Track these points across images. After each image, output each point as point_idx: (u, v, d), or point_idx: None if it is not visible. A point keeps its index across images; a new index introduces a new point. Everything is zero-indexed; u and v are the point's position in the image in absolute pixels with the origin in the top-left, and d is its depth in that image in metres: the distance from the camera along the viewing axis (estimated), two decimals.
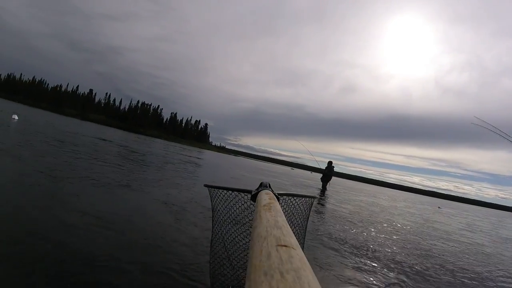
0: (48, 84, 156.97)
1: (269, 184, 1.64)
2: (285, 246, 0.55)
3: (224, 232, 2.48)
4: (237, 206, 2.23)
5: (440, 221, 14.16)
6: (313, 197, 2.66)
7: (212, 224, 2.61)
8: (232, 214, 2.32)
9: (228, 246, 2.50)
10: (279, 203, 1.30)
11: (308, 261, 0.50)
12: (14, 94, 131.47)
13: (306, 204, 2.55)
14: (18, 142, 9.34)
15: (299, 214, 2.50)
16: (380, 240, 6.19)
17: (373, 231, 7.10)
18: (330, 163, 19.60)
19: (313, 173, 65.58)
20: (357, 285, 3.39)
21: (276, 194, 1.44)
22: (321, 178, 19.84)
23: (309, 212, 2.66)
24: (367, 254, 4.90)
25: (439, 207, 31.68)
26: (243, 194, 2.17)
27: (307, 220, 2.71)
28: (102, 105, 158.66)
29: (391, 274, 4.08)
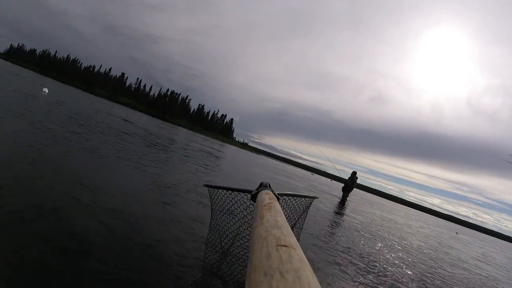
0: (81, 63, 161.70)
1: (269, 184, 1.66)
2: (285, 246, 0.55)
3: (223, 231, 2.50)
4: (237, 206, 2.25)
5: (455, 247, 13.60)
6: (313, 197, 2.68)
7: (210, 223, 2.62)
8: (232, 214, 2.35)
9: (226, 245, 2.52)
10: (279, 203, 1.31)
11: (309, 261, 0.50)
12: (48, 70, 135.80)
13: (305, 204, 2.59)
14: (43, 112, 9.77)
15: (299, 214, 2.54)
16: (388, 257, 6.00)
17: (383, 248, 6.90)
18: (354, 173, 18.74)
19: (332, 181, 64.89)
20: None
21: (276, 194, 1.44)
22: (342, 188, 18.97)
23: (307, 211, 2.71)
24: (373, 270, 4.71)
25: (456, 233, 30.73)
26: (243, 194, 2.20)
27: (304, 218, 2.76)
28: (133, 89, 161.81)
29: None
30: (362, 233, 7.84)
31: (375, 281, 4.12)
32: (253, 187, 1.75)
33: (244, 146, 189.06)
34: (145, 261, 2.66)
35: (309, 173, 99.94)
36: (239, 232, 2.39)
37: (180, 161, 9.84)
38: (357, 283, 3.74)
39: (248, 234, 2.26)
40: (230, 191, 2.29)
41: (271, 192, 1.37)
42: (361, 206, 19.62)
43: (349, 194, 18.94)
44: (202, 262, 2.76)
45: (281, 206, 1.97)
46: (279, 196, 1.58)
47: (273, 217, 0.76)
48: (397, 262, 5.80)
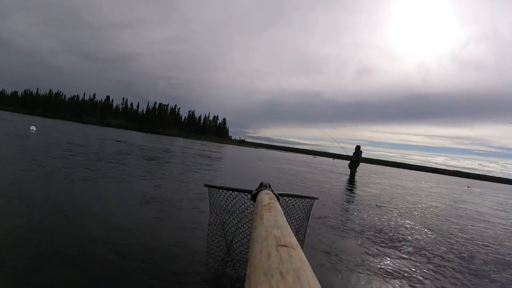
0: (65, 95, 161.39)
1: (269, 184, 1.68)
2: (285, 246, 0.55)
3: (223, 232, 2.51)
4: (237, 206, 2.27)
5: (470, 201, 13.37)
6: (314, 198, 2.66)
7: (209, 224, 2.63)
8: (232, 214, 2.36)
9: (226, 246, 2.53)
10: (279, 203, 1.32)
11: (308, 261, 0.51)
12: (33, 109, 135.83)
13: (306, 205, 2.58)
14: (35, 148, 9.85)
15: (299, 215, 2.53)
16: (407, 225, 5.82)
17: (402, 215, 6.77)
18: (358, 147, 18.64)
19: (335, 159, 65.07)
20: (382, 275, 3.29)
21: (276, 194, 1.47)
22: (349, 165, 18.94)
23: (309, 212, 2.68)
24: (397, 239, 4.63)
25: (468, 186, 30.63)
26: (243, 194, 2.21)
27: (307, 220, 2.72)
28: (120, 110, 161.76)
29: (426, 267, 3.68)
30: (376, 205, 7.69)
31: (404, 255, 4.01)
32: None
33: (241, 143, 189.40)
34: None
35: (311, 157, 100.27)
36: (239, 232, 2.41)
37: (179, 170, 9.81)
38: (386, 258, 3.71)
39: (248, 234, 2.27)
40: (230, 191, 2.29)
41: (271, 192, 1.39)
42: (369, 178, 19.56)
43: (356, 170, 18.73)
44: (202, 263, 2.77)
45: (281, 206, 1.98)
46: (279, 196, 1.59)
47: (273, 217, 0.77)
48: (419, 227, 5.69)
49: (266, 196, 1.14)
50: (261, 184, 1.67)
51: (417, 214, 7.19)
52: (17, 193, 4.60)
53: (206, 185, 2.53)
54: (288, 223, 0.81)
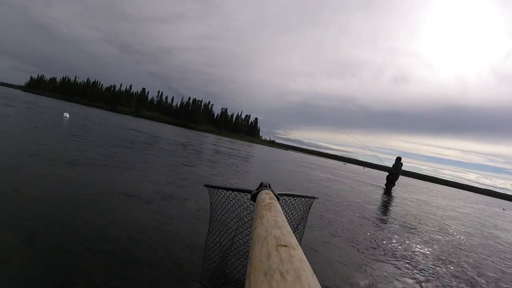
0: (102, 84, 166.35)
1: (269, 184, 1.67)
2: (285, 246, 0.55)
3: (222, 232, 2.52)
4: (237, 206, 2.27)
5: (502, 227, 11.68)
6: (313, 198, 2.66)
7: (209, 224, 2.65)
8: (232, 214, 2.36)
9: (226, 246, 2.54)
10: (279, 203, 1.31)
11: (308, 261, 0.50)
12: (70, 95, 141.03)
13: (306, 204, 2.59)
14: (66, 133, 10.35)
15: (299, 214, 2.54)
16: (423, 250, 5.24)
17: (420, 236, 6.30)
18: (398, 159, 17.15)
19: (365, 168, 64.01)
20: None
21: (276, 194, 1.46)
22: (387, 177, 17.41)
23: (308, 212, 2.69)
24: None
25: (503, 209, 28.81)
26: (243, 194, 2.21)
27: (306, 220, 2.74)
28: (155, 102, 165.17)
29: None
30: (411, 229, 6.94)
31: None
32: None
33: (271, 143, 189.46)
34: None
35: (341, 163, 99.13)
36: (239, 232, 2.42)
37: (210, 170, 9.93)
38: None
39: (248, 234, 2.27)
40: (230, 191, 2.30)
41: (271, 192, 1.38)
42: (403, 193, 18.22)
43: (395, 184, 17.43)
44: (201, 264, 2.80)
45: (281, 206, 1.98)
46: (279, 196, 1.60)
47: (273, 217, 0.77)
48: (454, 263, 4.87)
49: (266, 196, 1.14)
50: (261, 184, 1.66)
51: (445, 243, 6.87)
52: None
53: (206, 185, 2.56)
54: (288, 223, 0.81)
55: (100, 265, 2.55)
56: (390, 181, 17.27)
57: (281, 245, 0.55)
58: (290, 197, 2.35)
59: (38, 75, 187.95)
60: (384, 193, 15.17)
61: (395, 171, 17.16)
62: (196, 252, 3.13)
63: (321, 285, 0.45)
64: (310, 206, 2.72)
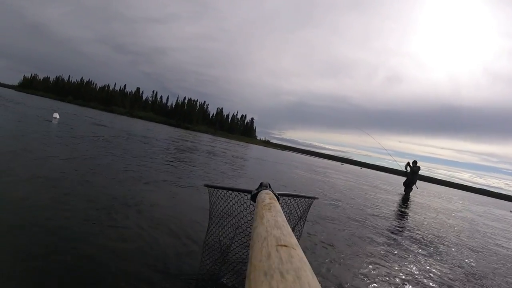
0: (96, 84, 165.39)
1: (269, 184, 1.69)
2: (285, 246, 0.56)
3: (222, 232, 2.53)
4: (237, 206, 2.28)
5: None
6: (313, 198, 2.69)
7: (208, 224, 2.66)
8: (232, 214, 2.37)
9: (225, 245, 2.55)
10: (279, 203, 1.32)
11: (309, 261, 0.51)
12: (63, 95, 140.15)
13: (306, 204, 2.61)
14: (49, 139, 9.96)
15: (299, 214, 2.56)
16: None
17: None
18: (415, 163, 16.59)
19: (362, 168, 64.01)
20: None
21: (276, 194, 1.48)
22: (404, 182, 16.96)
23: (307, 212, 2.71)
24: None
25: (511, 211, 28.34)
26: (243, 194, 2.23)
27: (305, 219, 2.76)
28: (150, 102, 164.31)
29: None
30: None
31: None
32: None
33: (267, 143, 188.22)
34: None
35: (338, 164, 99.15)
36: (239, 232, 2.42)
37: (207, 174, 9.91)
38: None
39: (248, 234, 2.28)
40: (230, 191, 2.32)
41: (271, 192, 1.40)
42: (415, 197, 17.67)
43: (412, 188, 16.87)
44: (200, 264, 2.81)
45: (281, 206, 2.00)
46: (279, 196, 1.61)
47: (273, 217, 0.77)
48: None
49: (266, 196, 1.14)
50: (261, 184, 1.68)
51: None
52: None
53: (206, 185, 2.57)
54: (288, 223, 0.82)
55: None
56: (408, 186, 16.83)
57: (281, 245, 0.56)
58: (290, 197, 2.36)
59: (31, 74, 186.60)
60: (402, 199, 14.78)
61: (413, 176, 16.62)
62: (196, 251, 3.16)
63: (321, 285, 0.46)
64: (310, 206, 2.73)
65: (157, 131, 34.56)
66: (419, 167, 16.57)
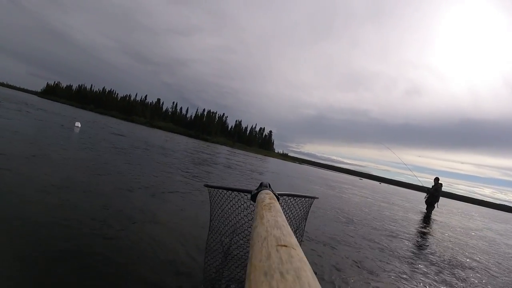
0: (117, 94, 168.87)
1: (269, 184, 1.69)
2: (285, 246, 0.56)
3: (223, 232, 2.53)
4: (237, 206, 2.28)
5: None
6: (313, 197, 2.68)
7: (210, 224, 2.66)
8: (232, 214, 2.37)
9: (226, 246, 2.54)
10: (279, 203, 1.32)
11: (309, 261, 0.51)
12: (85, 103, 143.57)
13: (306, 204, 2.61)
14: (73, 148, 10.15)
15: (299, 214, 2.55)
16: None
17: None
18: (437, 180, 16.14)
19: (381, 183, 63.09)
20: None
21: (276, 194, 1.49)
22: (426, 201, 16.35)
23: (308, 212, 2.71)
24: None
25: None
26: (243, 194, 2.22)
27: (306, 219, 2.75)
28: (170, 113, 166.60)
29: None
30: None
31: None
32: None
33: (285, 157, 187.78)
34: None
35: (356, 178, 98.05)
36: (239, 232, 2.43)
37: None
38: None
39: (248, 234, 2.27)
40: (230, 191, 2.32)
41: (271, 192, 1.40)
42: (439, 216, 17.18)
43: (434, 206, 16.41)
44: (203, 264, 2.81)
45: (281, 206, 2.00)
46: (279, 196, 1.61)
47: (273, 217, 0.77)
48: None
49: (266, 196, 1.14)
50: (261, 184, 1.68)
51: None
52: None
53: (206, 185, 2.58)
54: (288, 223, 0.82)
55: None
56: (430, 204, 16.35)
57: (281, 245, 0.56)
58: (290, 197, 2.36)
59: (54, 82, 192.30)
60: (423, 218, 14.37)
61: (436, 193, 16.08)
62: (197, 251, 3.18)
63: (321, 285, 0.46)
64: (310, 206, 2.74)
65: (175, 141, 34.90)
66: (441, 184, 16.10)
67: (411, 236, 8.46)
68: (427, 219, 14.30)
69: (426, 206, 16.50)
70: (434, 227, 11.84)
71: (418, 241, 7.91)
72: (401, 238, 7.73)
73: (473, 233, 12.69)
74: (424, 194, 16.55)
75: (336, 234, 6.58)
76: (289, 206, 2.40)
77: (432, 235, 9.46)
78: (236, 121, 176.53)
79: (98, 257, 2.94)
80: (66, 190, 4.91)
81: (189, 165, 13.15)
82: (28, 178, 5.09)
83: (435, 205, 16.39)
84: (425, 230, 10.30)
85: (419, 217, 14.51)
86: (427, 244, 7.76)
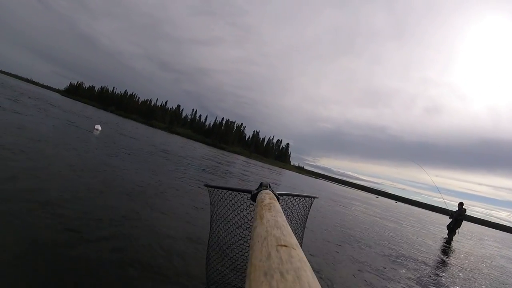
0: (138, 98, 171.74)
1: (269, 184, 1.69)
2: (285, 246, 0.56)
3: (223, 232, 2.53)
4: (237, 206, 2.28)
5: None
6: (313, 197, 2.69)
7: (210, 225, 2.67)
8: (232, 214, 2.37)
9: (227, 246, 2.53)
10: (279, 203, 1.32)
11: (308, 261, 0.51)
12: (106, 105, 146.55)
13: (306, 204, 2.61)
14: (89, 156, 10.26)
15: (299, 214, 2.55)
16: None
17: None
18: (461, 205, 15.85)
19: (398, 202, 62.20)
20: None
21: (276, 194, 1.48)
22: (447, 226, 16.26)
23: (308, 211, 2.71)
24: None
25: None
26: (243, 194, 2.22)
27: (306, 219, 2.75)
28: (189, 120, 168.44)
29: None
30: None
31: None
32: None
33: (301, 170, 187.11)
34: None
35: (372, 196, 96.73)
36: (239, 232, 2.41)
37: None
38: None
39: (248, 234, 2.27)
40: (230, 191, 2.33)
41: (271, 192, 1.40)
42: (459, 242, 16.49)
43: (456, 232, 16.09)
44: (202, 262, 2.86)
45: (281, 206, 1.99)
46: (279, 196, 1.60)
47: (273, 217, 0.78)
48: None
49: (266, 196, 1.14)
50: (261, 184, 1.68)
51: None
52: None
53: (206, 185, 2.61)
54: (288, 223, 0.82)
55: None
56: (451, 230, 16.05)
57: (281, 245, 0.56)
58: (290, 197, 2.37)
59: (77, 81, 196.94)
60: (444, 243, 13.95)
61: (460, 218, 15.80)
62: (198, 251, 3.19)
63: (321, 285, 0.46)
64: (311, 206, 2.75)
65: (192, 149, 35.11)
66: (465, 210, 15.74)
67: (422, 262, 8.16)
68: (447, 243, 13.91)
69: (447, 231, 16.22)
70: (449, 254, 11.24)
71: (431, 268, 7.60)
72: (418, 266, 7.62)
73: (493, 262, 12.22)
74: (447, 217, 16.27)
75: (341, 258, 6.59)
76: (289, 206, 2.41)
77: (446, 264, 9.07)
78: (254, 131, 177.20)
79: (98, 258, 2.99)
80: (81, 196, 5.02)
81: (201, 173, 13.24)
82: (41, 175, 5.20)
83: (456, 230, 16.06)
84: (439, 258, 9.79)
85: (435, 242, 13.65)
86: (439, 273, 7.41)
